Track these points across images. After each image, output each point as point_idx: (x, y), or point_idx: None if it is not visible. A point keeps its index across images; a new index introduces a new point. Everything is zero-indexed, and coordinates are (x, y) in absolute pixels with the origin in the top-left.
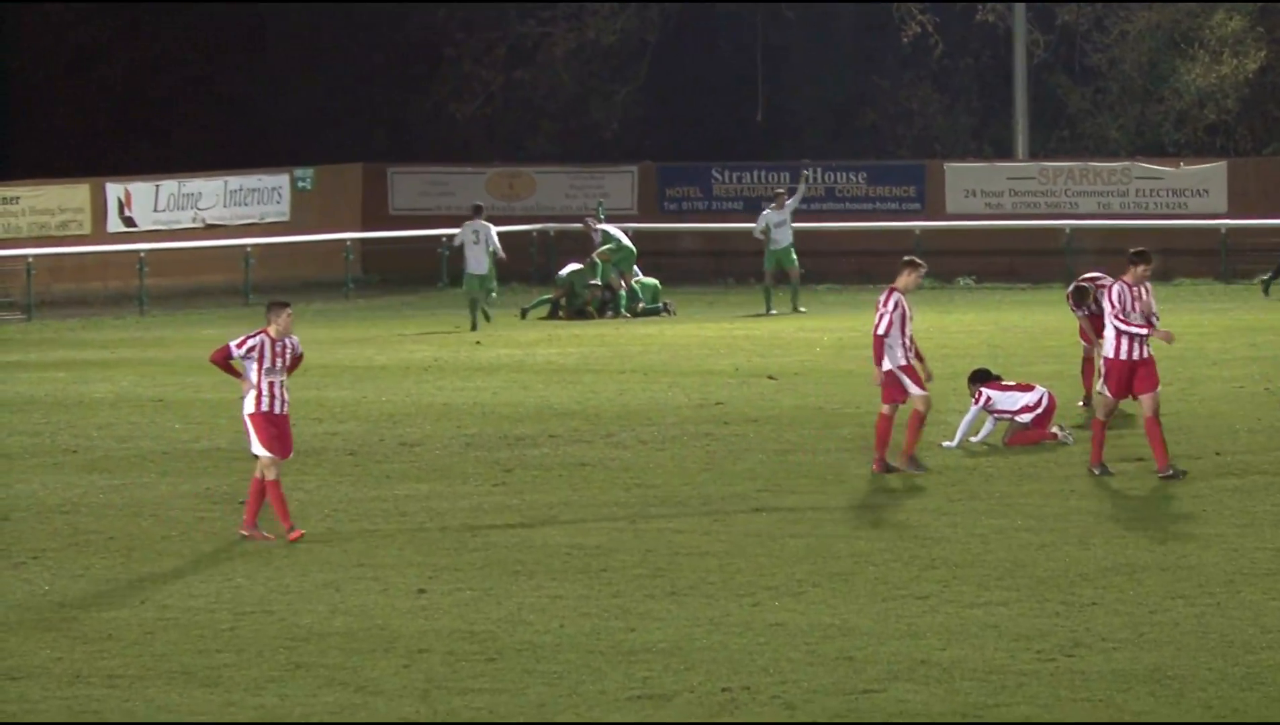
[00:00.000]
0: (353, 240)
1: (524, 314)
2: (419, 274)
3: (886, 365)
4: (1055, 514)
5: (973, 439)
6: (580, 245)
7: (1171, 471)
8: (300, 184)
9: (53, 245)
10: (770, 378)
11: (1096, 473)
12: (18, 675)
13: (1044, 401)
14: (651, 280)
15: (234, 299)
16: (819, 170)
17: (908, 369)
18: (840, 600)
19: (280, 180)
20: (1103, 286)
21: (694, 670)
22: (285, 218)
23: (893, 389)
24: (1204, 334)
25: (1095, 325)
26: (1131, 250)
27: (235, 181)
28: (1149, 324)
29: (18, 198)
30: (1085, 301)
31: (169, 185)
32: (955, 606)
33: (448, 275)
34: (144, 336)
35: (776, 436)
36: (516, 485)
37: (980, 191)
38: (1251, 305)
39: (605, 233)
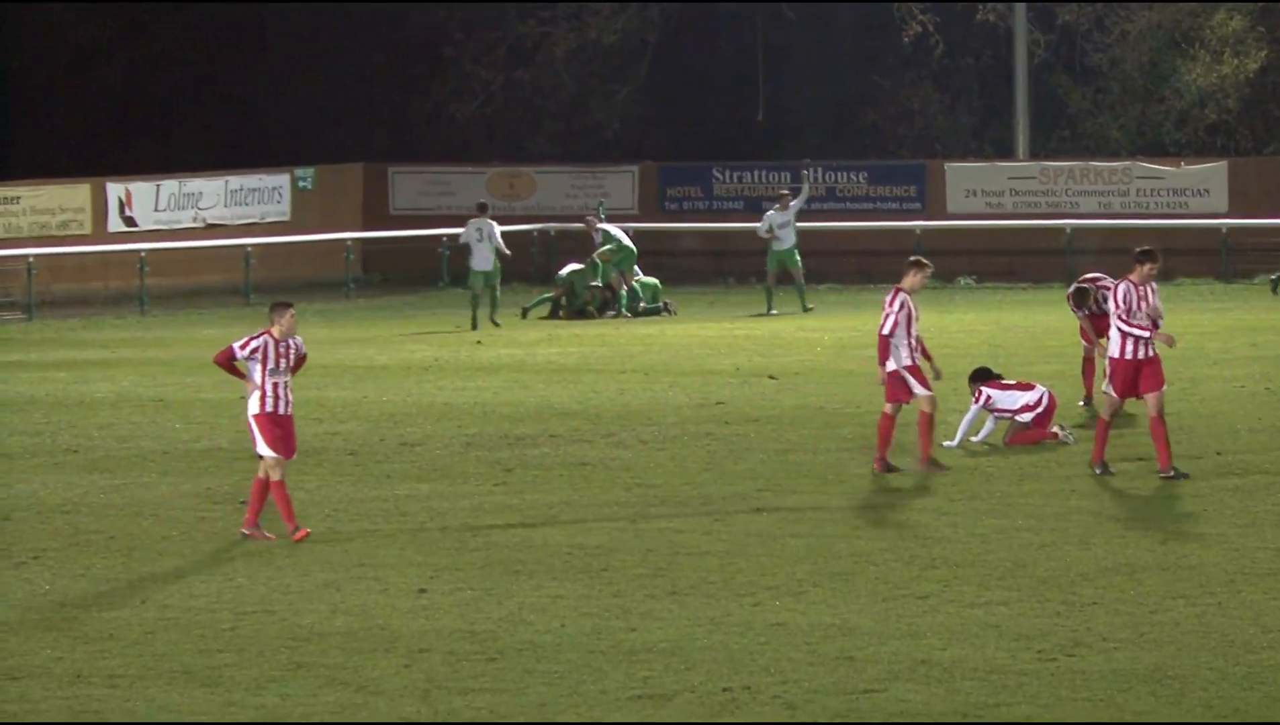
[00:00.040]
0: (353, 240)
1: (525, 313)
2: (420, 274)
3: (891, 366)
4: (1056, 514)
5: (973, 438)
6: (581, 245)
7: (1173, 472)
8: (301, 184)
9: (53, 245)
10: (771, 377)
11: (1098, 471)
12: (19, 675)
13: (1044, 401)
14: (652, 280)
15: (235, 299)
16: (820, 170)
17: (913, 369)
18: (841, 600)
19: (281, 180)
20: (1103, 287)
21: (695, 670)
22: (286, 217)
23: (897, 389)
24: (1205, 334)
25: (1096, 325)
26: (1138, 249)
27: (236, 181)
28: (1153, 326)
29: (18, 197)
30: (1086, 302)
31: (170, 185)
32: (956, 606)
33: (449, 274)
34: (145, 336)
35: (777, 436)
36: (517, 485)
37: (981, 191)
38: (1252, 305)
39: (606, 233)
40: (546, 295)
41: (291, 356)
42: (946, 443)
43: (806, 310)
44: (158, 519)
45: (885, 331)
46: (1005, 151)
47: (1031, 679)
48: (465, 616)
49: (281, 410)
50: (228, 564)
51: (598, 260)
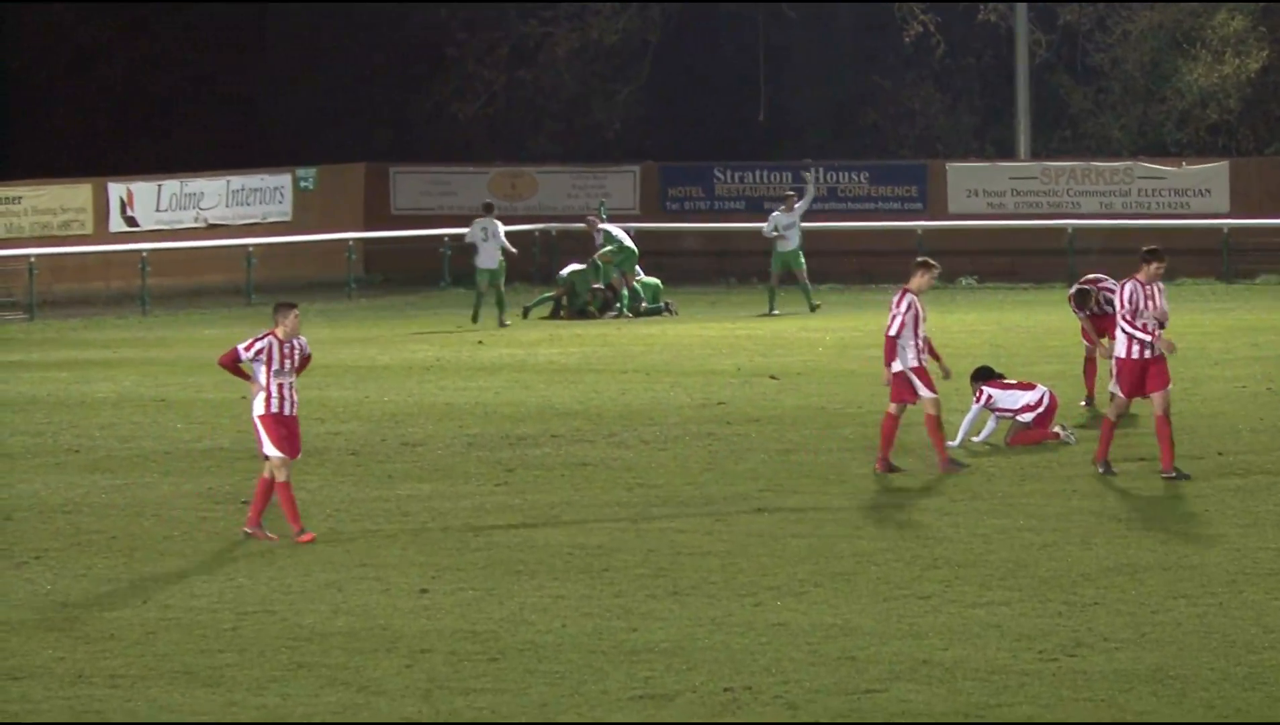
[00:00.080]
0: (355, 240)
1: (526, 313)
2: (421, 274)
3: (897, 367)
4: (1057, 514)
5: (975, 439)
6: (582, 245)
7: (1175, 473)
8: (302, 184)
9: (55, 245)
10: (772, 377)
11: (1100, 470)
12: (20, 675)
13: (1045, 400)
14: (653, 280)
15: (236, 299)
16: (821, 170)
17: (919, 371)
18: (842, 600)
19: (282, 180)
20: (1105, 289)
21: (696, 670)
22: (287, 217)
23: (902, 390)
24: (1206, 334)
25: (1098, 326)
26: (1144, 248)
27: (237, 181)
28: (1159, 327)
29: (20, 197)
30: (1087, 304)
31: (171, 185)
32: (957, 606)
33: (451, 274)
34: (146, 336)
35: (779, 436)
36: (519, 485)
37: (982, 191)
38: (1254, 305)
39: (607, 233)
40: (548, 294)
41: (296, 357)
42: (948, 442)
43: (814, 308)
44: (159, 519)
45: (892, 333)
46: (1007, 151)
47: (1033, 679)
48: (467, 616)
49: (287, 411)
50: (229, 564)
51: (599, 262)
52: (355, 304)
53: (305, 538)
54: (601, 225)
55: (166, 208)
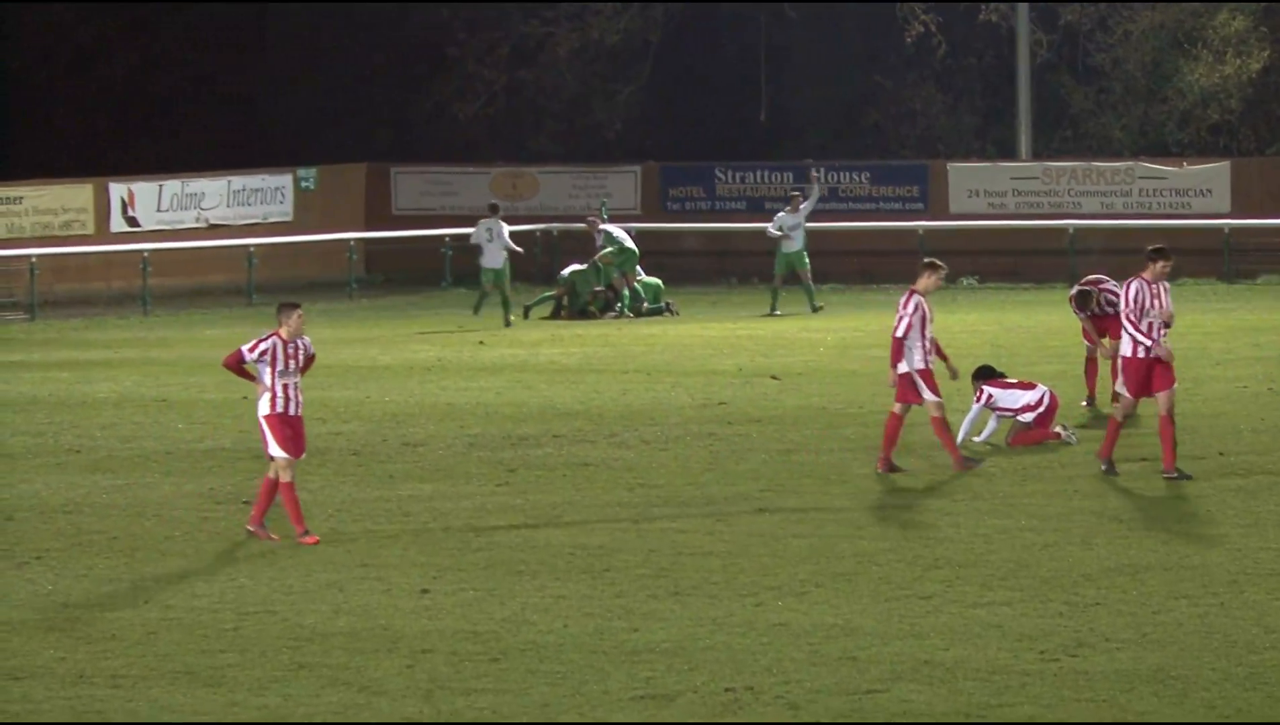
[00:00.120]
0: (356, 240)
1: (527, 312)
2: (422, 274)
3: (903, 367)
4: (1058, 514)
5: (976, 439)
6: (583, 245)
7: (1177, 473)
8: (303, 184)
9: (56, 245)
10: (773, 378)
11: (1103, 468)
12: (21, 675)
13: (1045, 400)
14: (654, 280)
15: (237, 299)
16: (822, 170)
17: (925, 373)
18: (843, 600)
19: (283, 180)
20: (1105, 290)
21: (697, 670)
22: (288, 218)
23: (908, 391)
24: (1207, 334)
25: (1099, 326)
26: (1150, 247)
27: (238, 181)
28: (1163, 326)
29: (21, 198)
30: (1088, 305)
31: (172, 185)
32: (958, 606)
33: (452, 274)
34: (147, 336)
35: (780, 436)
36: (520, 485)
37: (983, 191)
38: (1255, 305)
39: (607, 234)
40: (548, 293)
41: (300, 357)
42: None
43: (816, 309)
44: (160, 519)
45: (899, 334)
46: (1008, 152)
47: (1034, 679)
48: (468, 617)
49: (292, 411)
50: (230, 564)
51: (599, 263)
52: (356, 304)
53: (309, 540)
54: (602, 226)
55: (168, 208)
